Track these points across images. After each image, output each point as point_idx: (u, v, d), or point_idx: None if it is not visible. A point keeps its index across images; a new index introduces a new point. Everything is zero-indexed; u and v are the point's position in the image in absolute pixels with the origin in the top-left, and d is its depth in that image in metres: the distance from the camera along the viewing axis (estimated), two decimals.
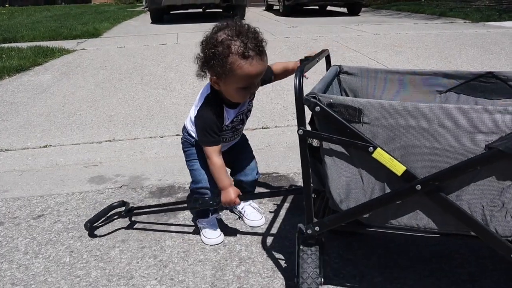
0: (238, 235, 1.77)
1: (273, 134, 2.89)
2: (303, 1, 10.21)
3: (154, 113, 3.44)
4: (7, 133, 3.12)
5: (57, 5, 21.39)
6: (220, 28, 1.42)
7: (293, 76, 1.23)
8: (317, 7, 12.11)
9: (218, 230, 1.75)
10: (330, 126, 1.12)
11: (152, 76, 4.48)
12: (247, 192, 1.80)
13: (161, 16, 9.81)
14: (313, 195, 1.33)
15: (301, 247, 1.28)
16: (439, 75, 1.51)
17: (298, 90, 1.11)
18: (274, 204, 2.00)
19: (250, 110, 1.67)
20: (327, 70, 1.55)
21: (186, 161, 1.75)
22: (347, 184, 1.16)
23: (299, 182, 2.21)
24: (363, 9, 11.15)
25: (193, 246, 1.70)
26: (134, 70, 4.77)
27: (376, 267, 1.52)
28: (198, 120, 1.56)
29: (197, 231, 1.78)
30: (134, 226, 1.87)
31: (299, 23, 8.54)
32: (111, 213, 1.88)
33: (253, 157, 1.83)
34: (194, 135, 1.67)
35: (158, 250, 1.68)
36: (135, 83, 4.27)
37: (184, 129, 1.74)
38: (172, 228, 1.85)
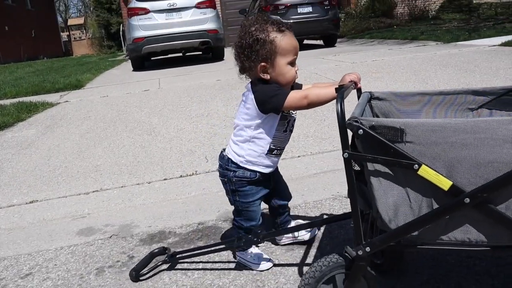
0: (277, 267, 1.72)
1: (299, 163, 2.88)
2: None
3: (140, 159, 3.44)
4: None
5: (39, 60, 21.60)
6: (248, 24, 1.59)
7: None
8: None
9: (265, 255, 1.72)
10: (373, 147, 1.15)
11: (136, 123, 4.50)
12: (285, 214, 1.88)
13: (142, 63, 9.96)
14: None
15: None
16: (469, 93, 1.53)
17: (341, 115, 1.16)
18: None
19: (295, 119, 1.73)
20: (358, 98, 1.58)
21: (238, 201, 1.67)
22: (394, 203, 1.17)
23: (332, 209, 2.20)
24: (338, 40, 11.47)
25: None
26: (118, 118, 4.79)
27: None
28: (261, 92, 1.57)
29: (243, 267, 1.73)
30: (176, 268, 1.83)
31: None
32: (154, 260, 1.85)
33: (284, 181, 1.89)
34: (251, 167, 1.62)
35: None
36: (119, 131, 4.28)
37: (231, 163, 1.64)
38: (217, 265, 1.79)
